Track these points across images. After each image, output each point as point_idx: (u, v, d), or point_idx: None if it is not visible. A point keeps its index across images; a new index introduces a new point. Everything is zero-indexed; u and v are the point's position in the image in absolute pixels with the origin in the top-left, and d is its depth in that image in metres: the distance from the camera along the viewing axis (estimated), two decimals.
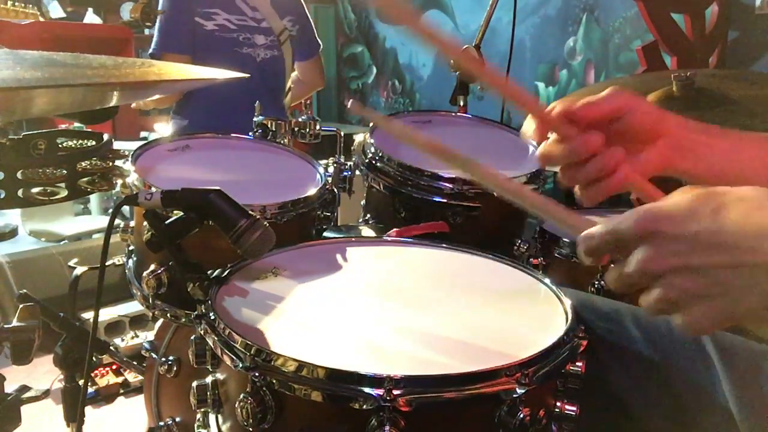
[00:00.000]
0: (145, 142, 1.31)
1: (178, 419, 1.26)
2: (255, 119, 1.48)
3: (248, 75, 1.08)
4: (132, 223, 1.23)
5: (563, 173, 0.74)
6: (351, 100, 1.43)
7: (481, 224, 1.27)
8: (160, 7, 2.25)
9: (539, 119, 0.75)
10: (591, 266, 0.81)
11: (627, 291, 0.56)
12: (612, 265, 0.58)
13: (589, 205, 0.77)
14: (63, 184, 1.19)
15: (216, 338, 0.78)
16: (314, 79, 2.66)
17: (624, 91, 0.73)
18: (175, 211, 0.94)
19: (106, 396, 2.40)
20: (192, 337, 0.86)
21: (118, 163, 1.26)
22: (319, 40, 2.60)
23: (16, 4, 2.79)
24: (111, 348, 1.47)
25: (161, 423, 1.27)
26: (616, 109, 0.73)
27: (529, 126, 0.76)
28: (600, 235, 0.57)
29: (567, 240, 1.30)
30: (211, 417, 0.86)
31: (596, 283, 1.22)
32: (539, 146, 0.77)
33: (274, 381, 0.70)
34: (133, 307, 2.63)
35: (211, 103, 2.26)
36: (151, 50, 2.25)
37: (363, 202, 1.45)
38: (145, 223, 0.95)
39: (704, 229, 0.52)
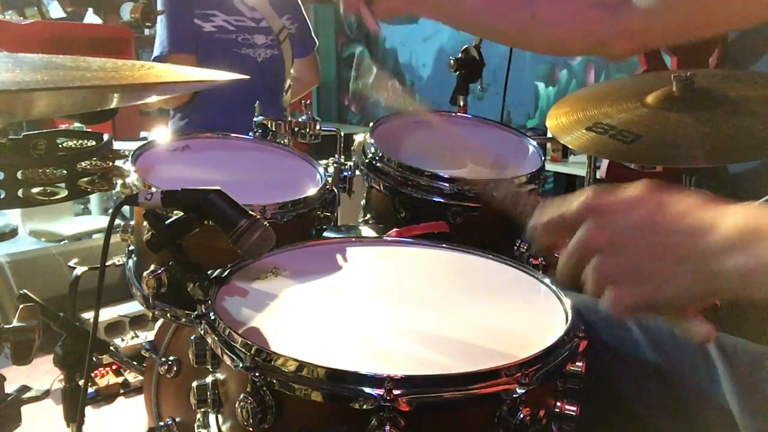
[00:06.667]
0: (145, 142, 1.31)
1: (178, 419, 1.26)
2: (255, 119, 1.48)
3: (248, 77, 1.08)
4: (132, 223, 1.23)
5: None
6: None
7: (481, 224, 1.27)
8: (159, 9, 2.25)
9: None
10: None
11: (573, 274, 0.61)
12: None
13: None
14: (63, 184, 1.19)
15: (216, 338, 0.78)
16: (310, 76, 2.67)
17: None
18: (175, 211, 0.94)
19: (106, 396, 2.40)
20: (192, 337, 0.87)
21: (118, 163, 1.26)
22: (315, 37, 2.60)
23: (15, 15, 2.80)
24: (111, 348, 1.47)
25: (161, 423, 1.27)
26: None
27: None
28: (550, 214, 0.62)
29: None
30: (211, 417, 0.86)
31: None
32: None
33: (274, 381, 0.70)
34: (133, 307, 2.63)
35: (212, 103, 2.25)
36: (156, 53, 2.21)
37: (363, 202, 1.45)
38: (145, 223, 0.94)
39: (644, 215, 0.56)
